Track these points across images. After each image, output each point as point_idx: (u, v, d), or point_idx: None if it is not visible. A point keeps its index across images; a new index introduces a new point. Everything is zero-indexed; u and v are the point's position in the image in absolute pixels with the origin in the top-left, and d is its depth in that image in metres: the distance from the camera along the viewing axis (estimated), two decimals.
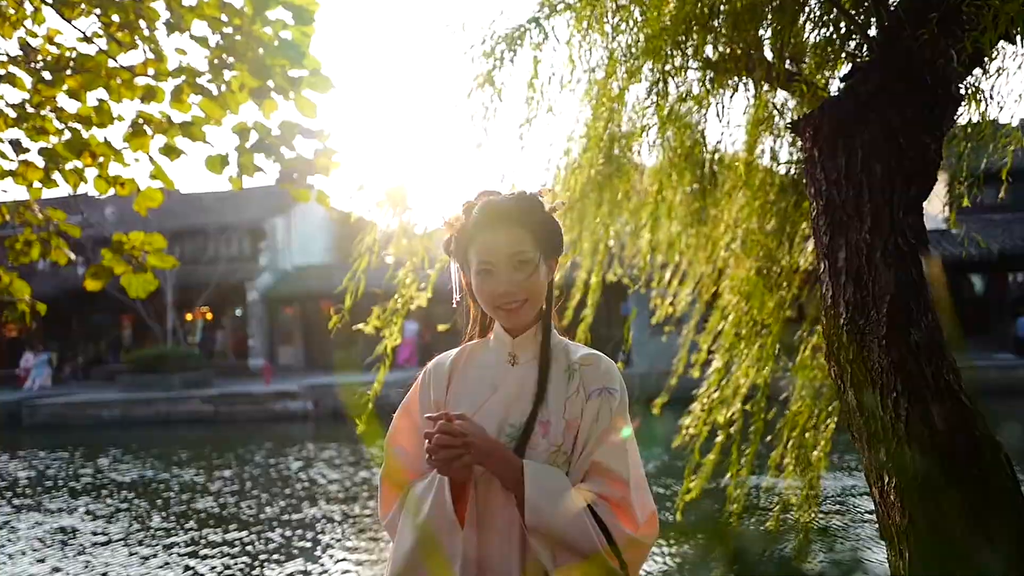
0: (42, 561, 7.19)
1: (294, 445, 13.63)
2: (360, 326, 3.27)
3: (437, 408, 1.46)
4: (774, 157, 3.40)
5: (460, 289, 1.53)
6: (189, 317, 23.99)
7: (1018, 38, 2.47)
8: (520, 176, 3.43)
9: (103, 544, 7.71)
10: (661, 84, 2.76)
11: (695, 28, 2.74)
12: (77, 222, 3.93)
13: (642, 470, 1.39)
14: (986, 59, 2.66)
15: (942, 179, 3.69)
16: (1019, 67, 3.11)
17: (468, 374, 1.49)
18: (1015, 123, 3.58)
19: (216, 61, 2.82)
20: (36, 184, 3.13)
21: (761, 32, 2.88)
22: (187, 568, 6.79)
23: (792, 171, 3.45)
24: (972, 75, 2.68)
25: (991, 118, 3.40)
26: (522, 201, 1.44)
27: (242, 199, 24.49)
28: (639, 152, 3.34)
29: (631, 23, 2.89)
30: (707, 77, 2.94)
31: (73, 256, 3.49)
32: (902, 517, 1.58)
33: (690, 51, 2.87)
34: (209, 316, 25.11)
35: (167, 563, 6.97)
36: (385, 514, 1.47)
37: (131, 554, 7.32)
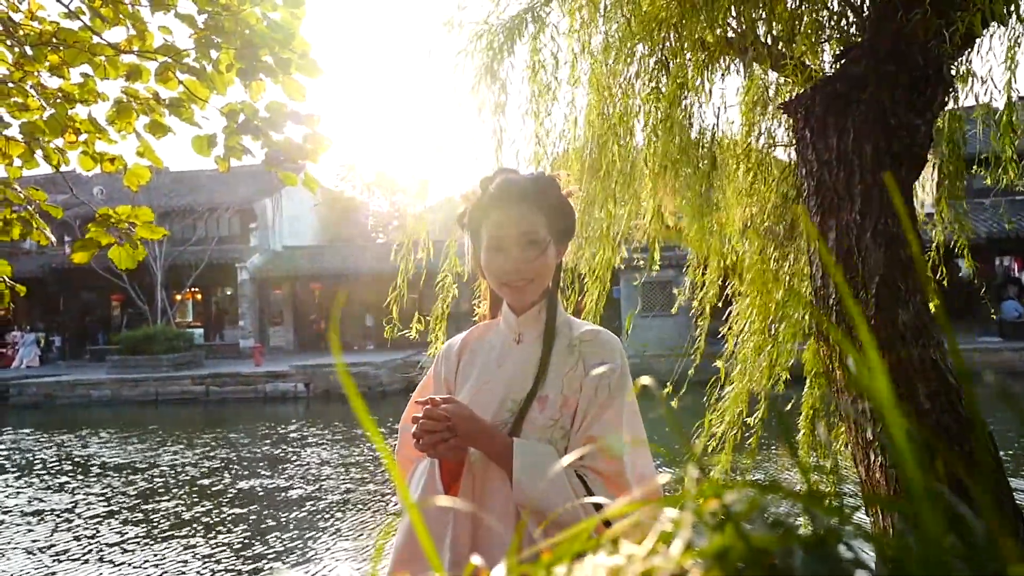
0: (30, 537, 7.19)
1: (285, 425, 13.65)
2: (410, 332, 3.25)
3: (447, 387, 1.50)
4: (769, 137, 3.39)
5: (472, 263, 1.54)
6: (178, 297, 23.88)
7: (1013, 18, 2.46)
8: (519, 159, 3.41)
9: (89, 521, 7.72)
10: (656, 66, 2.74)
11: (689, 10, 2.72)
12: (64, 201, 3.87)
13: (645, 442, 1.40)
14: (977, 40, 2.65)
15: (932, 163, 3.69)
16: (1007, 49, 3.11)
17: (476, 353, 1.51)
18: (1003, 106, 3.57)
19: (203, 40, 2.78)
20: (16, 162, 3.08)
21: (755, 14, 2.86)
22: (174, 546, 6.81)
23: (787, 154, 3.44)
24: (963, 56, 2.67)
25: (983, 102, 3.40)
26: (539, 182, 1.44)
27: (232, 179, 24.31)
28: (635, 134, 3.32)
29: (625, 7, 2.86)
30: (701, 59, 2.92)
31: (53, 239, 3.45)
32: (887, 494, 1.60)
33: (685, 33, 2.84)
34: (199, 296, 25.03)
35: (154, 539, 6.98)
36: None
37: (117, 531, 7.33)
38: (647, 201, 3.43)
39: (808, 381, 3.55)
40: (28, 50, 2.97)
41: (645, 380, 0.36)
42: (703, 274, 3.77)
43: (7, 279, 3.25)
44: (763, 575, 0.25)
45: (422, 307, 3.38)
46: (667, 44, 2.68)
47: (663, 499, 0.29)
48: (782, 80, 3.07)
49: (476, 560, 0.34)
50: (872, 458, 1.78)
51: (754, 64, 2.84)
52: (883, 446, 1.67)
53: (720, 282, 3.68)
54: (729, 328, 3.60)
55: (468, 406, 1.34)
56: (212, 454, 11.25)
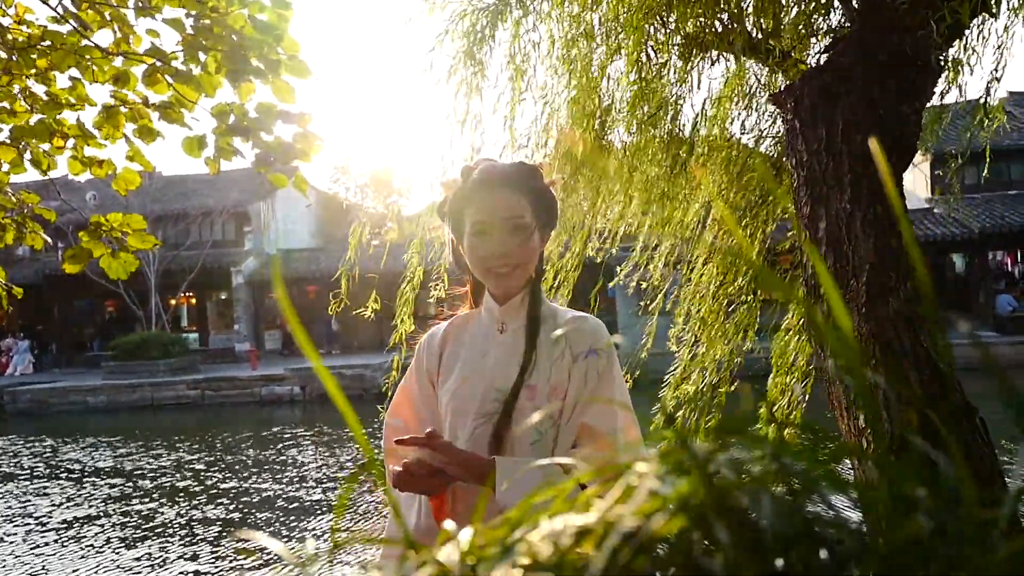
0: (22, 545, 7.16)
1: (280, 428, 13.61)
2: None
3: (430, 378, 1.49)
4: (745, 129, 3.41)
5: (452, 254, 1.53)
6: (173, 302, 23.80)
7: (1002, 7, 2.47)
8: (501, 153, 3.40)
9: (82, 528, 7.69)
10: (639, 57, 2.73)
11: (676, 2, 2.72)
12: (57, 207, 3.86)
13: (637, 428, 1.39)
14: (965, 31, 2.66)
15: (925, 159, 3.71)
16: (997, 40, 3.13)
17: (459, 343, 1.50)
18: (993, 101, 3.59)
19: (191, 44, 2.76)
20: (3, 167, 3.07)
21: (743, 5, 2.86)
22: (169, 550, 6.79)
23: (768, 146, 3.45)
24: (951, 47, 2.68)
25: (972, 97, 3.42)
26: (522, 168, 1.44)
27: (225, 183, 24.24)
28: (618, 127, 3.31)
29: None
30: (687, 51, 2.92)
31: (49, 240, 3.44)
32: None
33: (672, 25, 2.84)
34: (193, 301, 24.96)
35: (148, 546, 6.96)
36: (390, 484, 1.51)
37: (111, 538, 7.31)
38: (621, 192, 3.43)
39: (773, 374, 3.54)
40: (15, 55, 2.95)
41: (617, 339, 0.36)
42: (650, 261, 3.79)
43: (3, 282, 3.24)
44: (729, 521, 0.24)
45: (390, 307, 3.40)
46: (651, 33, 2.67)
47: (627, 451, 0.29)
48: (769, 72, 3.08)
49: (449, 525, 0.34)
50: (865, 444, 1.78)
51: (741, 56, 2.84)
52: (876, 432, 1.68)
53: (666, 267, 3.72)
54: (684, 314, 3.64)
55: (451, 444, 1.31)
56: (206, 459, 11.22)
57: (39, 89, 3.02)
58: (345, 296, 3.31)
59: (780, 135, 3.39)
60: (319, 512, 7.94)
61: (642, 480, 0.26)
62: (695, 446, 0.26)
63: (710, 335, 3.45)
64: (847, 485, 0.26)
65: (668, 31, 2.86)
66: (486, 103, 3.26)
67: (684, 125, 3.18)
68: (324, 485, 9.16)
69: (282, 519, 7.75)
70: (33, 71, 2.97)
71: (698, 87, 3.03)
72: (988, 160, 3.67)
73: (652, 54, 2.81)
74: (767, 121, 3.37)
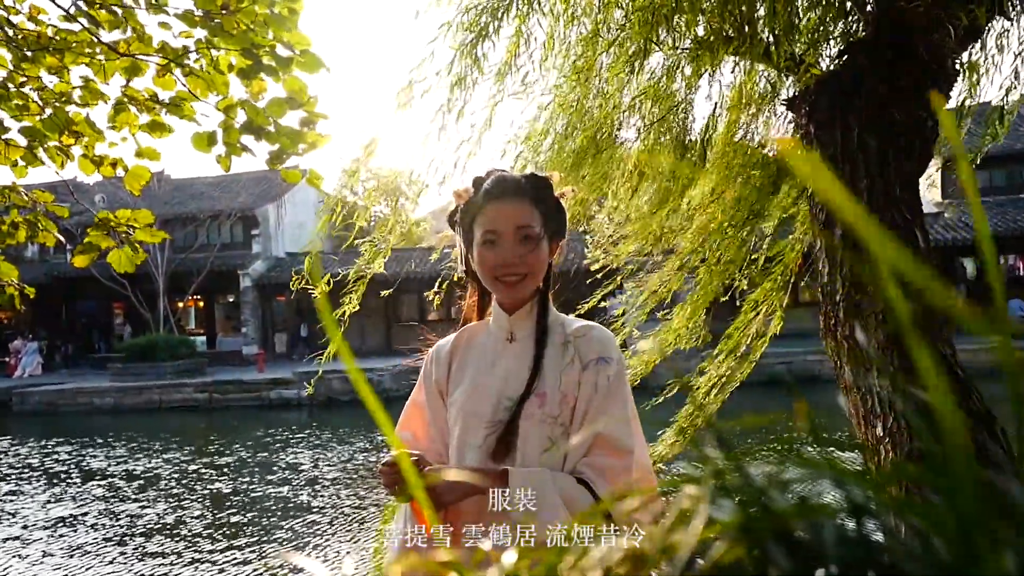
0: (27, 547, 7.18)
1: (286, 432, 13.63)
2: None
3: (439, 389, 1.49)
4: (750, 132, 3.39)
5: (462, 263, 1.53)
6: (181, 305, 23.88)
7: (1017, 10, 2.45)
8: (501, 154, 3.39)
9: (90, 531, 7.71)
10: (646, 60, 2.72)
11: (685, 4, 2.70)
12: (65, 207, 3.87)
13: (643, 437, 1.39)
14: (981, 33, 2.64)
15: (935, 163, 3.69)
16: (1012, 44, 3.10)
17: (468, 353, 1.50)
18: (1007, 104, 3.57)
19: (204, 39, 2.76)
20: (19, 164, 3.08)
21: (756, 10, 2.84)
22: (176, 552, 6.79)
23: (772, 148, 3.44)
24: (967, 50, 2.65)
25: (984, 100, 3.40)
26: (532, 179, 1.45)
27: (233, 186, 24.32)
28: (622, 130, 3.30)
29: None
30: (696, 55, 2.90)
31: (61, 239, 3.45)
32: (899, 491, 1.57)
33: (682, 27, 2.82)
34: (201, 304, 25.04)
35: (155, 548, 6.97)
36: None
37: (118, 540, 7.32)
38: (610, 195, 3.42)
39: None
40: (27, 52, 2.96)
41: (645, 345, 0.34)
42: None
43: (15, 281, 3.25)
44: (789, 548, 0.23)
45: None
46: (659, 37, 2.66)
47: (674, 479, 0.27)
48: (781, 76, 3.05)
49: (485, 546, 0.32)
50: (884, 453, 1.75)
51: (753, 61, 2.82)
52: (894, 441, 1.65)
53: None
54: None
55: (450, 472, 1.30)
56: (212, 462, 11.24)
57: (51, 84, 3.03)
58: (297, 290, 3.29)
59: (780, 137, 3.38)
60: (321, 514, 7.93)
61: (695, 504, 0.25)
62: (751, 470, 0.25)
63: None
64: (912, 511, 0.25)
65: (677, 34, 2.84)
66: (481, 98, 3.24)
67: (691, 128, 3.16)
68: (329, 487, 9.16)
69: (287, 522, 7.75)
70: (45, 65, 2.98)
71: (708, 91, 3.01)
72: (976, 166, 3.67)
73: (660, 56, 2.80)
74: (769, 121, 3.35)
